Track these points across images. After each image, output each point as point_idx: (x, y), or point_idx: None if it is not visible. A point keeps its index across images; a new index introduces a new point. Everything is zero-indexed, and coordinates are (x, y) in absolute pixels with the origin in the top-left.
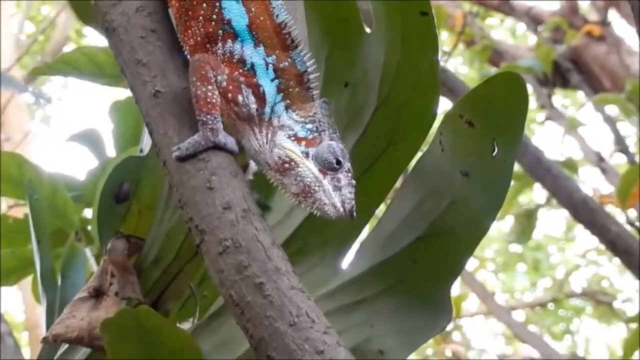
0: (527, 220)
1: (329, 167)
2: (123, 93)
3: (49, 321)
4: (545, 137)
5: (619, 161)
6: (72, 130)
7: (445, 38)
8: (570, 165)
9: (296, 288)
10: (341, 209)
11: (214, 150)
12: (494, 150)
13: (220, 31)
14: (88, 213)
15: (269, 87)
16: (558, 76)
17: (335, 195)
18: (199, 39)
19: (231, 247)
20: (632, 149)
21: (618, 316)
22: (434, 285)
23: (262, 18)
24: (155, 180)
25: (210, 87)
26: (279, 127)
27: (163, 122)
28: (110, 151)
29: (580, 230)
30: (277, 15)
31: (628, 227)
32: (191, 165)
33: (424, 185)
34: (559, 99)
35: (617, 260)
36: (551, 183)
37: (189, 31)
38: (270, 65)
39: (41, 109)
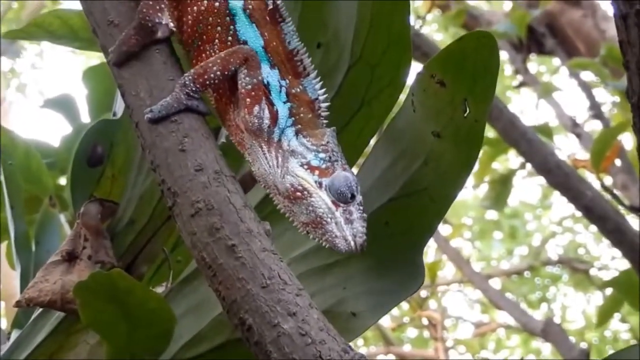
0: (501, 186)
1: (343, 199)
2: (98, 60)
3: (24, 287)
4: (520, 104)
5: (594, 128)
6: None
7: (419, 4)
8: (545, 130)
9: (268, 250)
10: (352, 243)
11: (187, 113)
12: (465, 110)
13: None
14: (63, 180)
15: (281, 109)
16: (533, 41)
17: (347, 228)
18: None
19: (203, 209)
20: (608, 115)
21: (594, 284)
22: (407, 247)
23: (274, 43)
24: (128, 144)
25: (220, 73)
26: (289, 152)
27: (135, 83)
28: (85, 117)
29: (556, 197)
30: (289, 42)
31: (602, 192)
32: (163, 127)
33: (396, 146)
34: (534, 66)
35: (593, 228)
36: (525, 147)
37: (203, 55)
38: (284, 88)
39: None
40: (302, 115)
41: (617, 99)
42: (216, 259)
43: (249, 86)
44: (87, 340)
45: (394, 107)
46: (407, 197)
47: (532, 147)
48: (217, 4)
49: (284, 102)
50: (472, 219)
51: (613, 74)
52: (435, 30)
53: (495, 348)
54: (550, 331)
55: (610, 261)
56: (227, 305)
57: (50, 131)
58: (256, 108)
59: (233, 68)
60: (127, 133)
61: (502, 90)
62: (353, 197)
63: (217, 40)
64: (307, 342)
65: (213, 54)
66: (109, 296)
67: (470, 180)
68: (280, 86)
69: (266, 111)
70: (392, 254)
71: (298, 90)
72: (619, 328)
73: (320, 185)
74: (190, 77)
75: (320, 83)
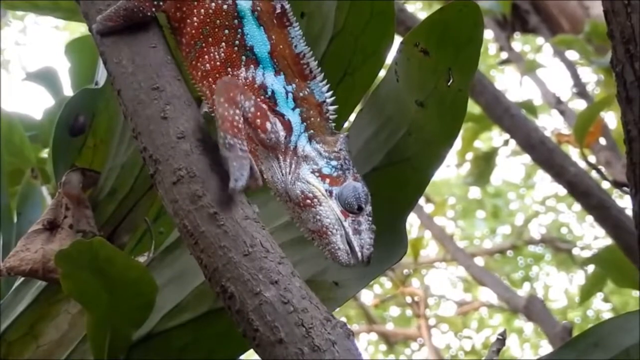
0: (485, 162)
1: (351, 210)
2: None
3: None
4: (504, 83)
5: (578, 106)
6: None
7: None
8: (529, 106)
9: (250, 218)
10: (359, 253)
11: (169, 80)
12: (449, 79)
13: (244, 57)
14: (45, 153)
15: (292, 116)
16: (517, 19)
17: (355, 238)
18: (218, 63)
19: (185, 177)
20: (591, 94)
21: (577, 263)
22: (390, 217)
23: (281, 46)
24: (110, 113)
25: (237, 111)
26: (302, 157)
27: (117, 50)
28: (68, 91)
29: (539, 177)
30: (295, 46)
31: (585, 166)
32: (145, 94)
33: (380, 116)
34: (518, 45)
35: (576, 207)
36: (509, 123)
37: (205, 57)
38: (290, 94)
39: None
40: (312, 119)
41: (602, 77)
42: (198, 226)
43: (252, 109)
44: (69, 309)
45: (377, 77)
46: (391, 167)
47: (516, 123)
48: (225, 6)
49: (293, 109)
50: (455, 198)
51: (597, 51)
52: (419, 9)
53: (478, 327)
54: (533, 308)
55: (593, 241)
56: (209, 273)
57: (33, 105)
58: (268, 125)
59: (240, 100)
60: (109, 102)
61: (486, 69)
62: (361, 208)
63: (223, 43)
64: (289, 310)
65: (218, 56)
66: (91, 265)
67: (454, 159)
68: (287, 92)
69: (278, 124)
70: (375, 223)
71: (305, 93)
72: (602, 308)
73: (330, 193)
74: (223, 134)
75: (327, 85)
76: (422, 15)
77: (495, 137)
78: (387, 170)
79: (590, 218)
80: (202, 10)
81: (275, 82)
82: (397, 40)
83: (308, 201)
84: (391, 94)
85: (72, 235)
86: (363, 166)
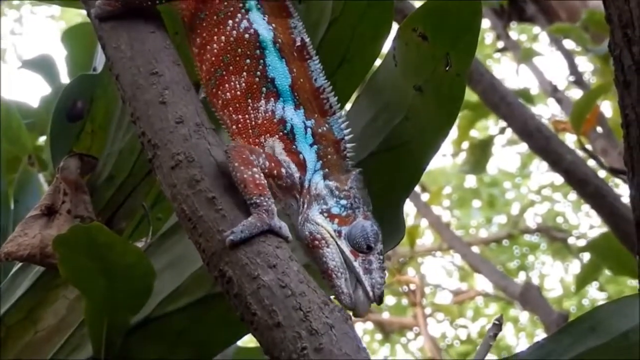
0: (481, 151)
1: (360, 249)
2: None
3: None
4: (501, 73)
5: (575, 95)
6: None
7: None
8: (525, 95)
9: None
10: (370, 293)
11: (168, 65)
12: (447, 64)
13: (264, 89)
14: (42, 141)
15: (309, 154)
16: (514, 8)
17: (366, 278)
18: (238, 93)
19: (184, 162)
20: (588, 83)
21: (572, 252)
22: (387, 201)
23: (302, 80)
24: (108, 99)
25: (255, 169)
26: (315, 196)
27: (116, 35)
28: (65, 79)
29: (535, 166)
30: (315, 79)
31: (582, 155)
32: (144, 79)
33: (377, 101)
34: (515, 34)
35: (572, 197)
36: (506, 111)
37: (226, 85)
38: (309, 129)
39: None
40: (329, 157)
41: (598, 67)
42: (196, 211)
43: (266, 162)
44: (67, 295)
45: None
46: (388, 152)
47: (513, 111)
48: (247, 35)
49: (310, 145)
50: (451, 187)
51: (593, 40)
52: None
53: (474, 316)
54: (529, 296)
55: (589, 230)
56: (207, 257)
57: (30, 93)
58: (283, 170)
59: (254, 159)
60: (107, 88)
61: (483, 59)
62: (370, 248)
63: (244, 73)
64: (287, 294)
65: (238, 85)
66: (88, 250)
67: (450, 148)
68: (306, 127)
69: (292, 166)
70: (373, 208)
71: (324, 129)
72: (597, 297)
73: (339, 234)
74: (249, 197)
75: (347, 122)
76: (419, 4)
77: (492, 126)
78: (384, 155)
79: (586, 207)
80: (223, 38)
81: (295, 117)
82: (396, 28)
83: (316, 242)
84: (389, 79)
85: (70, 220)
86: (361, 151)
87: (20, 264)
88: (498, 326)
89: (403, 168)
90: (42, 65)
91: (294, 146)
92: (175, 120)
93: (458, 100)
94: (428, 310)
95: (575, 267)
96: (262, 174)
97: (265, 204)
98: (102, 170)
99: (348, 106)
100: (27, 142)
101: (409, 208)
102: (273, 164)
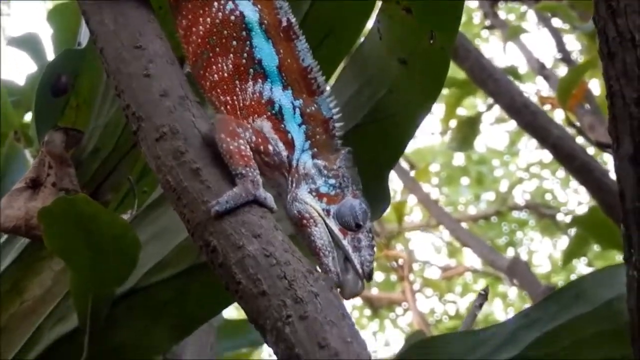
0: (469, 127)
1: (349, 227)
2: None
3: None
4: (489, 52)
5: (562, 73)
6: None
7: None
8: (513, 72)
9: None
10: (360, 270)
11: (151, 39)
12: (431, 37)
13: (251, 70)
14: (28, 118)
15: (297, 134)
16: None
17: (355, 256)
18: (225, 75)
19: (168, 134)
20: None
21: (561, 229)
22: (373, 173)
23: (289, 60)
24: (93, 74)
25: (241, 141)
26: (303, 176)
27: (100, 9)
28: (51, 57)
29: (523, 144)
30: (303, 59)
31: (569, 130)
32: (128, 52)
33: (362, 73)
34: (503, 14)
35: (560, 174)
36: (493, 87)
37: (213, 67)
38: (298, 109)
39: None
40: (317, 137)
41: (585, 44)
42: (181, 182)
43: (252, 137)
44: (52, 266)
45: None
46: (373, 124)
47: (500, 87)
48: (232, 17)
49: (299, 125)
50: (440, 165)
51: (581, 18)
52: None
53: (462, 292)
54: (516, 269)
55: (577, 207)
56: (191, 227)
57: (17, 72)
58: (270, 147)
59: (240, 131)
60: (91, 63)
61: (471, 38)
62: (359, 226)
63: (231, 55)
64: (271, 263)
65: (225, 67)
66: (73, 221)
67: (438, 127)
68: (294, 107)
69: (279, 144)
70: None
71: (313, 109)
72: (585, 272)
73: (328, 213)
74: (234, 167)
75: (335, 102)
76: None
77: (480, 105)
78: (369, 127)
79: (574, 184)
80: (209, 20)
81: (283, 97)
82: (380, 2)
83: (304, 221)
84: (373, 52)
85: (55, 193)
86: (346, 123)
87: (6, 236)
88: (484, 296)
89: (388, 140)
90: (28, 43)
91: (282, 125)
92: (159, 93)
93: (442, 74)
94: (417, 286)
95: (563, 243)
96: (248, 146)
97: (250, 174)
98: (87, 144)
99: (333, 80)
100: (13, 118)
101: (396, 185)
102: (260, 140)
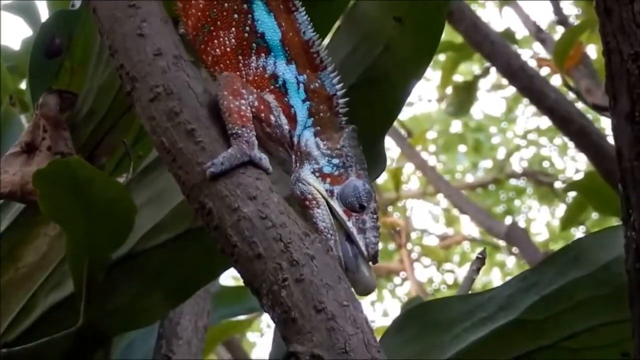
0: (465, 92)
1: (353, 209)
2: None
3: None
4: (486, 18)
5: (559, 36)
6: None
7: None
8: (510, 36)
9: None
10: (365, 252)
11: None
12: None
13: (254, 44)
14: (23, 85)
15: (300, 109)
16: None
17: (360, 238)
18: (228, 49)
19: (162, 94)
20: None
21: (559, 197)
22: (368, 134)
23: (291, 34)
24: (87, 35)
25: (243, 101)
26: (305, 154)
27: None
28: None
29: (521, 111)
30: (304, 32)
31: (566, 91)
32: (121, 12)
33: (357, 32)
34: None
35: (558, 141)
36: (489, 49)
37: (215, 41)
38: (302, 84)
39: None
40: (321, 114)
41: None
42: (175, 143)
43: (255, 102)
44: (47, 232)
45: None
46: (368, 84)
47: (496, 49)
48: None
49: (303, 101)
50: (437, 133)
51: None
52: None
53: (460, 261)
54: (514, 236)
55: (575, 174)
56: (186, 190)
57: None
58: (272, 117)
59: (244, 92)
60: (85, 24)
61: (468, 3)
62: (363, 207)
63: (233, 29)
64: (267, 225)
65: (228, 42)
66: (69, 185)
67: (434, 94)
68: (298, 82)
69: (282, 117)
70: None
71: (317, 85)
72: None
73: (331, 193)
74: (231, 126)
75: (338, 77)
76: None
77: (476, 71)
78: (365, 88)
79: (572, 151)
80: None
81: (287, 72)
82: None
83: (307, 202)
84: (368, 10)
85: (50, 157)
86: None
87: (1, 201)
88: (481, 260)
89: (384, 100)
90: (23, 9)
91: (286, 99)
92: (153, 52)
93: (437, 32)
94: (415, 255)
95: (561, 211)
96: (248, 107)
97: (246, 135)
98: (81, 107)
99: (327, 40)
100: (8, 84)
101: (393, 152)
102: (263, 106)
